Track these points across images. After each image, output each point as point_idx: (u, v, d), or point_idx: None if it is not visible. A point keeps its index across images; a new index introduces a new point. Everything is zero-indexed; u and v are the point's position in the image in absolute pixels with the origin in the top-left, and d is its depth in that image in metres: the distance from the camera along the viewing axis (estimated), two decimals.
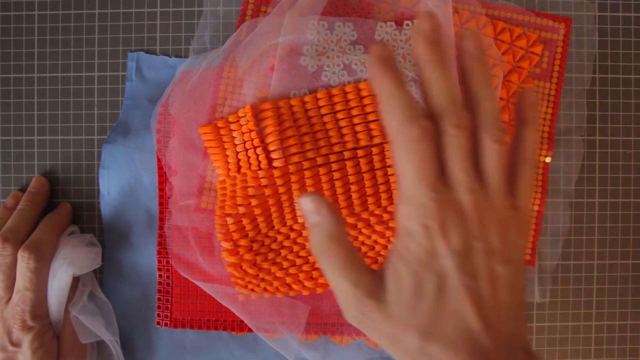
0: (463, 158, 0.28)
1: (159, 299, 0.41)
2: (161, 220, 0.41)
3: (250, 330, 0.41)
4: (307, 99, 0.39)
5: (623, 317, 0.43)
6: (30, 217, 0.40)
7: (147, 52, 0.42)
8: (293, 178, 0.38)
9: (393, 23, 0.39)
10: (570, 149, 0.42)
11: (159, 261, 0.41)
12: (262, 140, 0.38)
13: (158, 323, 0.41)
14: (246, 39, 0.39)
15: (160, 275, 0.41)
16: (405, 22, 0.39)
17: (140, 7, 0.42)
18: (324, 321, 0.42)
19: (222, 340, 0.42)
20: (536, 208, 0.42)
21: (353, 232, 0.40)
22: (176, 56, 0.42)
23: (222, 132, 0.39)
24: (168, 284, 0.41)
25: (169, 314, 0.41)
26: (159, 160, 0.41)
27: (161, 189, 0.41)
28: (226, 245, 0.39)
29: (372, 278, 0.28)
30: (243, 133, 0.38)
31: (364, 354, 0.42)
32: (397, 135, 0.29)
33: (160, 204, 0.41)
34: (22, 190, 0.42)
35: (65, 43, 0.42)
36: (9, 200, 0.41)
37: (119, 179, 0.42)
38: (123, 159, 0.41)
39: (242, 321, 0.41)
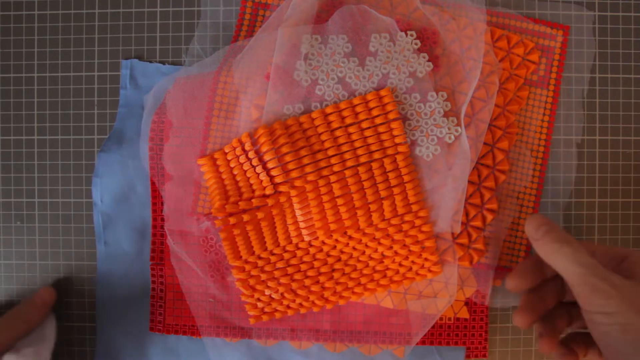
0: None
1: (152, 305, 0.41)
2: (154, 227, 0.41)
3: (243, 336, 0.41)
4: (302, 119, 0.39)
5: None
6: (10, 330, 0.37)
7: (147, 51, 0.42)
8: (292, 193, 0.38)
9: (387, 34, 0.39)
10: (568, 161, 0.42)
11: (152, 268, 0.41)
12: (261, 160, 0.38)
13: (152, 328, 0.41)
14: (240, 55, 0.39)
15: (153, 282, 0.41)
16: (399, 33, 0.39)
17: (140, 7, 0.42)
18: (350, 329, 0.41)
19: (215, 347, 0.42)
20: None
21: (359, 247, 0.39)
22: (175, 57, 0.42)
23: (219, 162, 0.39)
24: (162, 290, 0.41)
25: (162, 319, 0.41)
26: (151, 168, 0.41)
27: (154, 197, 0.41)
28: (236, 263, 0.39)
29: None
30: (238, 157, 0.39)
31: None
32: None
33: (154, 211, 0.41)
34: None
35: (65, 43, 0.42)
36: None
37: (112, 188, 0.41)
38: (117, 167, 0.41)
39: (235, 327, 0.41)
